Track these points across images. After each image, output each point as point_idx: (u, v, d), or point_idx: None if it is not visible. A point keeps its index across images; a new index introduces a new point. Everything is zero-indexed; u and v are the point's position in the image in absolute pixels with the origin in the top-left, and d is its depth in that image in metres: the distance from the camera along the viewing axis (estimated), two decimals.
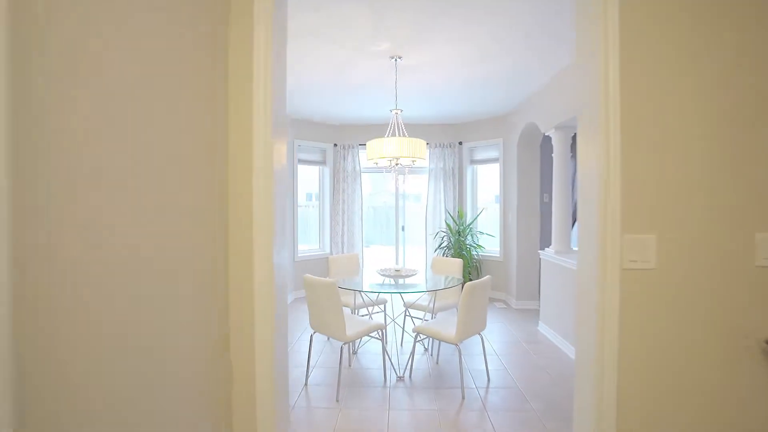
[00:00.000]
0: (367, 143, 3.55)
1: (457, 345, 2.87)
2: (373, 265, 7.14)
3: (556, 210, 4.21)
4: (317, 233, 6.55)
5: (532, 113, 4.70)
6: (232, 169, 1.51)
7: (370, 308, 3.98)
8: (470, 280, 6.31)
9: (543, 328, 4.35)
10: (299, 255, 6.14)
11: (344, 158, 6.40)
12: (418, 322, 4.32)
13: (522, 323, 4.73)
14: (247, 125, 1.50)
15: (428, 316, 3.81)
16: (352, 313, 3.89)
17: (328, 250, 6.49)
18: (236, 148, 1.51)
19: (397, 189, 6.59)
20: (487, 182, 6.45)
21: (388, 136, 3.49)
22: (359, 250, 6.46)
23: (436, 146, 6.37)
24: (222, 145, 1.47)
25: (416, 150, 3.40)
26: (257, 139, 1.49)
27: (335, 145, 6.44)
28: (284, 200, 1.69)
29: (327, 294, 2.87)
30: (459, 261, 3.99)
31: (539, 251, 4.45)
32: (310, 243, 6.56)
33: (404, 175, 4.00)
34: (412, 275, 3.54)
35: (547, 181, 5.47)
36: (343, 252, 6.40)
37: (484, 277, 2.96)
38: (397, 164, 3.55)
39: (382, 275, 3.56)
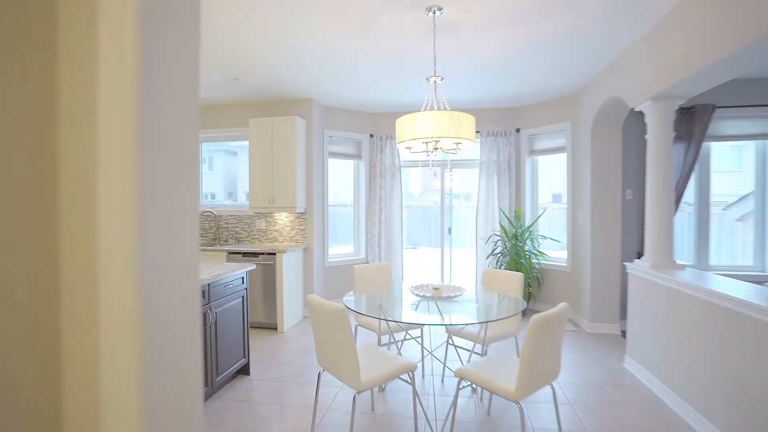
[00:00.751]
0: (396, 121, 2.75)
1: (517, 403, 2.00)
2: (417, 270, 6.32)
3: (652, 211, 3.16)
4: (352, 236, 5.85)
5: (615, 83, 3.65)
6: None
7: (400, 334, 3.19)
8: (530, 294, 5.39)
9: (631, 365, 3.31)
10: (330, 260, 5.46)
11: (381, 150, 5.64)
12: (464, 356, 3.48)
13: (601, 355, 3.69)
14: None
15: (478, 346, 2.95)
16: (378, 341, 3.11)
17: (363, 255, 5.77)
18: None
19: (442, 185, 5.73)
20: (551, 176, 5.40)
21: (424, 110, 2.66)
22: (398, 256, 5.68)
23: (487, 135, 5.42)
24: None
25: (461, 127, 2.55)
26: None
27: (371, 135, 5.70)
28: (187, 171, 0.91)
29: (335, 324, 2.11)
30: (518, 276, 3.08)
31: (627, 264, 3.41)
32: (344, 246, 5.87)
33: (447, 167, 3.20)
34: (456, 296, 2.69)
35: (631, 173, 4.35)
36: (380, 258, 5.65)
37: (559, 307, 2.06)
38: (435, 148, 2.72)
39: (416, 295, 2.75)
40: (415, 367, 2.37)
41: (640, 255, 4.19)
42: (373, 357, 2.44)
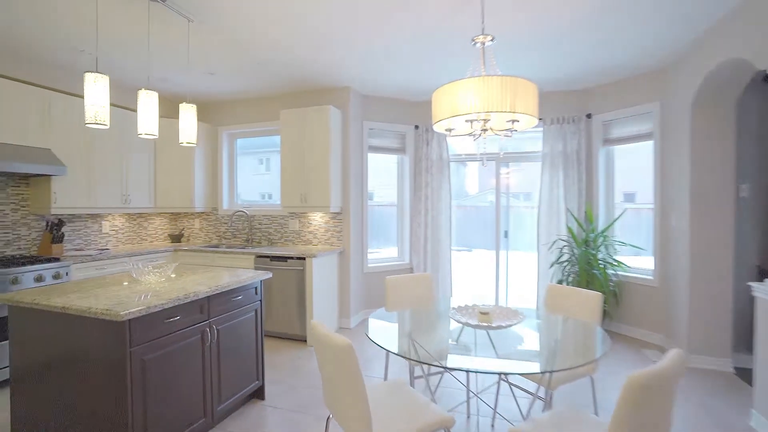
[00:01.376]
0: (432, 95, 2.16)
1: None
2: (469, 277, 5.62)
3: None
4: (395, 238, 5.29)
5: (734, 42, 2.75)
6: None
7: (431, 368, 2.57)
8: (604, 312, 4.48)
9: (763, 425, 2.42)
10: (370, 264, 4.95)
11: (427, 143, 5.03)
12: (522, 397, 2.76)
13: (713, 405, 2.80)
14: None
15: (541, 389, 2.26)
16: (410, 373, 2.52)
17: (407, 260, 5.19)
18: None
19: (497, 182, 5.00)
20: (623, 170, 4.47)
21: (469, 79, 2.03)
22: (445, 261, 5.03)
23: (551, 122, 4.61)
24: None
25: (519, 97, 1.89)
26: None
27: (416, 127, 5.10)
28: None
29: (340, 364, 1.57)
30: (595, 298, 2.34)
31: (753, 284, 2.52)
32: (386, 250, 5.33)
33: (501, 160, 2.52)
34: (512, 324, 2.02)
35: (747, 163, 3.37)
36: (425, 264, 5.04)
37: (670, 357, 1.35)
38: (484, 130, 2.08)
39: (458, 321, 2.12)
40: (453, 422, 1.76)
41: (763, 270, 3.21)
42: (396, 401, 1.86)
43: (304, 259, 4.01)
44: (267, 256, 4.15)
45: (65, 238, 4.01)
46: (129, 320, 1.90)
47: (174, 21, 2.91)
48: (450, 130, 2.26)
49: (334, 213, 4.60)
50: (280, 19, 2.89)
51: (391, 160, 5.26)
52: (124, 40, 3.23)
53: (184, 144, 2.79)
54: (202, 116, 5.28)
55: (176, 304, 2.11)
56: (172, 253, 4.54)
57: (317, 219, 4.70)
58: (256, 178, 5.42)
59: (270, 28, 3.04)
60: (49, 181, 3.61)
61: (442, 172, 5.01)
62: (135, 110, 4.53)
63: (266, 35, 3.16)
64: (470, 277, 5.74)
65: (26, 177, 3.68)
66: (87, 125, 2.17)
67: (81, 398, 2.00)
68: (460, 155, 5.25)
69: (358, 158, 4.76)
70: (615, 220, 4.34)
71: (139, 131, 2.47)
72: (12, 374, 2.20)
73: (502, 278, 5.07)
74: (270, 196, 5.45)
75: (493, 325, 1.99)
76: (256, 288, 2.83)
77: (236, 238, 5.08)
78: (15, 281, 3.07)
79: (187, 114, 2.79)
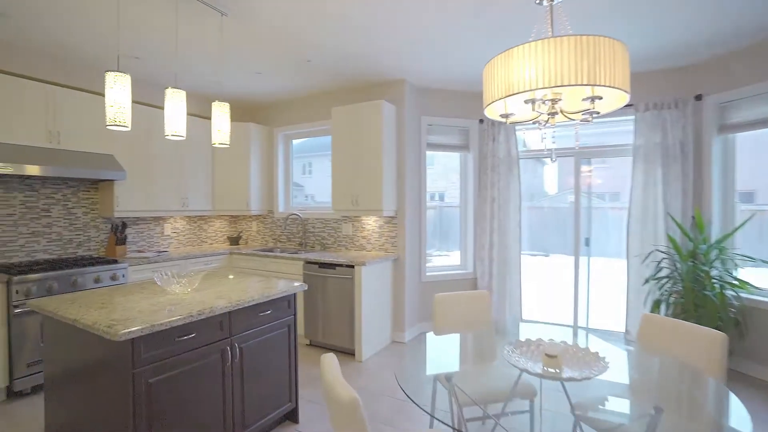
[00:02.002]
0: (483, 71, 1.70)
1: None
2: (542, 289, 4.94)
3: None
4: (458, 244, 4.80)
5: None
6: None
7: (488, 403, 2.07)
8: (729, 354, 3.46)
9: None
10: (428, 273, 4.52)
11: (493, 139, 4.47)
12: None
13: None
14: None
15: None
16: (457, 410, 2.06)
17: (470, 269, 4.68)
18: None
19: (577, 180, 4.28)
20: (757, 164, 3.52)
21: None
22: (514, 271, 4.43)
23: (646, 108, 3.80)
24: None
25: (602, 65, 1.37)
26: None
27: (481, 121, 4.57)
28: None
29: (347, 425, 1.20)
30: (718, 339, 1.70)
31: None
32: (448, 257, 4.87)
33: (579, 153, 1.95)
34: (587, 378, 1.49)
35: None
36: (490, 273, 4.49)
37: None
38: (553, 113, 1.58)
39: (516, 366, 1.63)
40: None
41: None
42: None
43: (352, 267, 3.71)
44: (315, 263, 3.93)
45: (129, 239, 4.16)
46: (132, 339, 1.73)
47: (225, 23, 2.77)
48: (507, 116, 1.78)
49: (389, 217, 4.26)
50: (321, 8, 2.61)
51: (452, 158, 4.79)
52: (173, 46, 3.19)
53: (217, 145, 2.63)
54: (257, 118, 5.27)
55: (188, 321, 1.90)
56: (227, 256, 4.53)
57: (371, 223, 4.39)
58: (299, 181, 5.28)
59: (311, 19, 2.78)
60: (113, 186, 3.74)
61: (510, 170, 4.42)
62: (191, 115, 4.60)
63: (306, 28, 2.91)
64: (545, 287, 5.04)
65: (95, 182, 3.85)
66: (108, 127, 2.05)
67: (95, 416, 1.87)
68: (541, 151, 4.60)
69: (415, 157, 4.36)
70: (738, 228, 3.42)
71: (166, 132, 2.34)
72: (45, 380, 2.17)
73: (582, 290, 4.32)
74: (312, 197, 5.25)
75: (563, 375, 1.48)
76: (288, 301, 2.57)
77: (291, 242, 4.97)
78: (74, 283, 3.17)
79: (219, 113, 2.63)
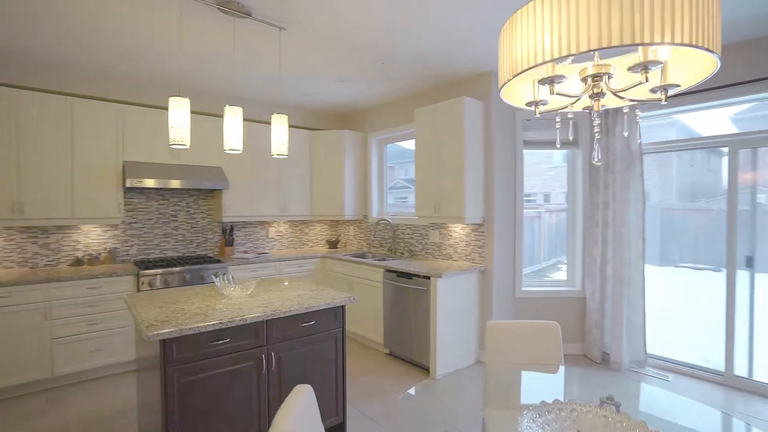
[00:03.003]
0: (499, 37, 1.37)
1: None
2: (678, 318, 3.91)
3: None
4: (564, 256, 4.12)
5: None
6: None
7: None
8: None
9: None
10: (525, 288, 3.97)
11: (609, 131, 3.69)
12: None
13: None
14: None
15: None
16: None
17: (578, 286, 3.96)
18: None
19: (731, 179, 3.22)
20: None
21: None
22: (635, 292, 3.57)
23: None
24: None
25: (669, 11, 0.92)
26: None
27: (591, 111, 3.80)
28: None
29: None
30: None
31: None
32: (552, 270, 4.22)
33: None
34: None
35: None
36: (601, 292, 3.71)
37: None
38: (597, 95, 1.16)
39: None
40: None
41: None
42: None
43: (428, 278, 3.48)
44: (394, 271, 3.81)
45: (238, 241, 4.70)
46: (164, 340, 1.88)
47: (297, 38, 2.90)
48: (535, 104, 1.37)
49: (476, 224, 3.88)
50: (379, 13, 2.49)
51: (557, 156, 4.12)
52: (250, 63, 3.47)
53: (276, 156, 2.73)
54: (352, 124, 5.41)
55: (217, 328, 1.99)
56: (321, 259, 4.75)
57: (457, 231, 4.07)
58: (408, 185, 5.18)
59: (371, 24, 2.68)
60: (221, 194, 4.27)
61: (630, 168, 3.57)
62: (291, 126, 4.95)
63: (369, 32, 2.82)
64: (682, 314, 3.94)
65: (211, 191, 4.46)
66: (171, 146, 2.29)
67: (148, 408, 2.11)
68: (678, 142, 3.63)
69: (507, 158, 3.88)
70: None
71: (225, 147, 2.52)
72: (136, 364, 2.56)
73: (741, 321, 3.22)
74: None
75: None
76: (335, 313, 2.51)
77: (382, 248, 4.96)
78: (184, 279, 3.71)
79: (278, 125, 2.72)
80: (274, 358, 2.24)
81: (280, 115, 2.72)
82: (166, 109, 3.92)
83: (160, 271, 3.55)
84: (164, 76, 3.80)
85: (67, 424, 2.68)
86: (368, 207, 5.12)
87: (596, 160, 1.29)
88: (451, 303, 3.53)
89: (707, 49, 0.98)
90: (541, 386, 1.94)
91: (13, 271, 3.34)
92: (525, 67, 1.11)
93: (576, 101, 1.30)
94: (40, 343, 3.09)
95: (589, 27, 0.97)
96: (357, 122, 5.38)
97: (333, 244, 5.29)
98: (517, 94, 1.43)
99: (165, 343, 1.89)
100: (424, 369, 3.60)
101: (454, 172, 3.68)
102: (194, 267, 3.75)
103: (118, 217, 3.64)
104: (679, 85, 1.16)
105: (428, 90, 4.33)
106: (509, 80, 1.20)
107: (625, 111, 1.42)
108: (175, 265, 3.69)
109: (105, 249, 3.82)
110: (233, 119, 2.53)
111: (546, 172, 4.29)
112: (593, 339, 3.78)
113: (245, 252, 4.67)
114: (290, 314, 2.27)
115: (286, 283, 2.93)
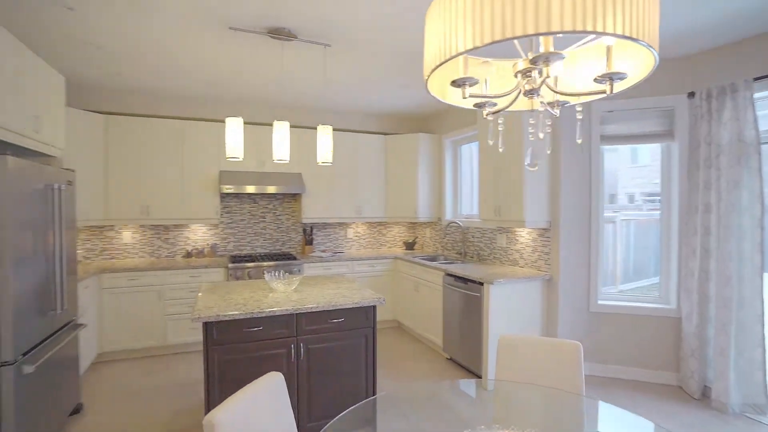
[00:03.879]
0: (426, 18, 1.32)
1: None
2: None
3: None
4: (656, 268, 3.54)
5: None
6: None
7: None
8: None
9: None
10: (602, 302, 3.54)
11: (712, 118, 3.06)
12: None
13: None
14: None
15: None
16: None
17: (673, 304, 3.36)
18: None
19: None
20: None
21: None
22: (751, 318, 2.90)
23: None
24: None
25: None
26: None
27: (691, 95, 3.20)
28: None
29: None
30: None
31: None
32: (637, 281, 3.68)
33: None
34: None
35: None
36: (704, 312, 3.10)
37: None
38: (532, 91, 1.07)
39: None
40: None
41: None
42: None
43: (482, 284, 3.36)
44: (452, 275, 3.76)
45: (318, 241, 5.13)
46: (205, 323, 2.24)
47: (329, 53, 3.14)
48: (483, 104, 1.29)
49: (542, 229, 3.59)
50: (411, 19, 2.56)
51: (644, 151, 3.56)
52: (319, 79, 3.79)
53: (320, 163, 2.97)
54: (427, 127, 5.44)
55: (247, 317, 2.28)
56: (392, 260, 4.90)
57: (523, 235, 3.82)
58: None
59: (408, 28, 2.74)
60: (301, 198, 4.73)
61: (741, 162, 2.91)
62: (365, 132, 5.19)
63: (406, 38, 2.87)
64: None
65: (294, 195, 4.97)
66: (228, 159, 2.70)
67: (203, 380, 2.52)
68: None
69: (579, 156, 3.50)
70: None
71: (275, 158, 2.84)
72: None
73: None
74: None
75: None
76: (366, 313, 2.63)
77: (453, 251, 4.89)
78: (262, 273, 4.22)
79: (323, 135, 2.95)
80: (303, 349, 2.46)
81: (325, 126, 2.95)
82: (253, 124, 4.51)
83: (243, 265, 4.12)
84: (251, 97, 4.39)
85: (170, 383, 3.33)
86: (442, 209, 5.10)
87: (528, 162, 1.18)
88: (508, 312, 3.34)
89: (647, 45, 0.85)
90: (559, 410, 1.77)
91: (143, 260, 4.26)
92: (446, 59, 1.05)
93: (514, 100, 1.19)
94: (157, 318, 3.87)
95: (503, 15, 0.90)
96: (432, 124, 5.40)
97: (409, 246, 5.39)
98: (438, 89, 1.29)
99: (207, 326, 2.25)
100: (476, 375, 3.47)
101: (512, 173, 3.47)
102: (272, 263, 4.25)
103: (216, 218, 4.33)
104: (625, 75, 1.00)
105: None
106: (434, 70, 1.11)
107: (729, 95, 1.24)
108: (257, 261, 4.23)
109: (208, 244, 4.58)
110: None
111: (630, 170, 3.74)
112: (690, 369, 3.17)
113: (323, 251, 5.08)
114: (318, 310, 2.46)
115: (331, 281, 3.15)
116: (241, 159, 2.76)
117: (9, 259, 2.09)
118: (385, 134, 5.21)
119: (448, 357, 3.94)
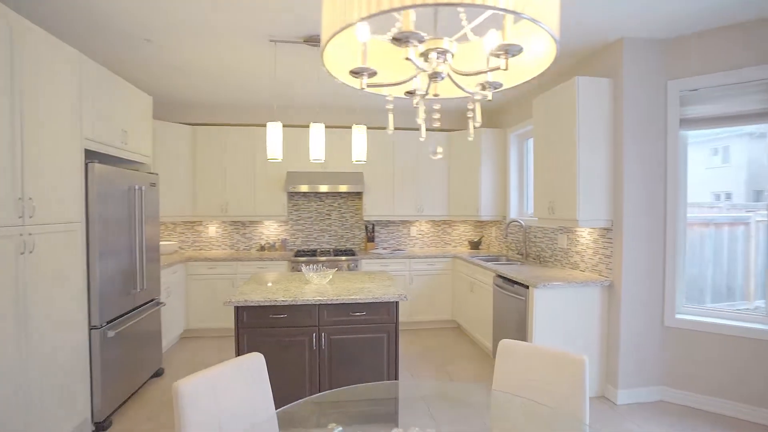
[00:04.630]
0: None
1: None
2: None
3: None
4: (757, 281, 2.89)
5: None
6: None
7: None
8: None
9: None
10: (680, 316, 3.02)
11: None
12: None
13: None
14: None
15: None
16: None
17: None
18: None
19: None
20: None
21: None
22: None
23: None
24: None
25: None
26: None
27: None
28: None
29: None
30: None
31: None
32: (727, 295, 3.05)
33: None
34: None
35: None
36: None
37: None
38: (436, 70, 1.03)
39: None
40: None
41: None
42: None
43: (527, 287, 3.13)
44: (502, 276, 3.57)
45: (382, 238, 5.26)
46: (236, 307, 2.51)
47: None
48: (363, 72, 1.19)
49: (604, 228, 3.20)
50: None
51: (735, 135, 2.93)
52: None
53: (354, 162, 3.08)
54: (493, 121, 5.18)
55: (271, 304, 2.49)
56: (451, 260, 4.79)
57: (584, 236, 3.44)
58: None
59: None
60: (362, 196, 4.92)
61: None
62: (431, 130, 5.14)
63: None
64: None
65: (358, 193, 5.17)
66: (269, 160, 2.97)
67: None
68: None
69: (651, 144, 3.04)
70: None
71: (311, 157, 3.03)
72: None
73: None
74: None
75: None
76: (388, 309, 2.67)
77: (516, 251, 4.59)
78: (321, 267, 4.49)
79: (357, 134, 3.06)
80: (324, 339, 2.60)
81: (359, 125, 3.06)
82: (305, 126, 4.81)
83: (304, 258, 4.45)
84: (312, 102, 4.71)
85: None
86: (506, 207, 4.82)
87: (432, 151, 1.11)
88: (557, 319, 3.05)
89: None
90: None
91: (223, 252, 4.87)
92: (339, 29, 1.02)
93: (429, 85, 1.13)
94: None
95: None
96: (497, 118, 5.14)
97: (474, 246, 5.22)
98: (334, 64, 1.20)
99: (237, 310, 2.52)
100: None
101: (565, 166, 3.16)
102: (331, 258, 4.50)
103: (283, 215, 4.74)
104: (520, 47, 0.90)
105: (551, 74, 3.79)
106: (328, 41, 1.06)
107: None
108: (316, 255, 4.53)
109: (279, 239, 5.04)
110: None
111: (717, 161, 3.10)
112: None
113: (384, 248, 5.19)
114: (338, 302, 2.58)
115: (362, 276, 3.24)
116: (280, 160, 3.01)
117: (95, 247, 2.62)
118: (448, 131, 5.12)
119: None
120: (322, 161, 3.06)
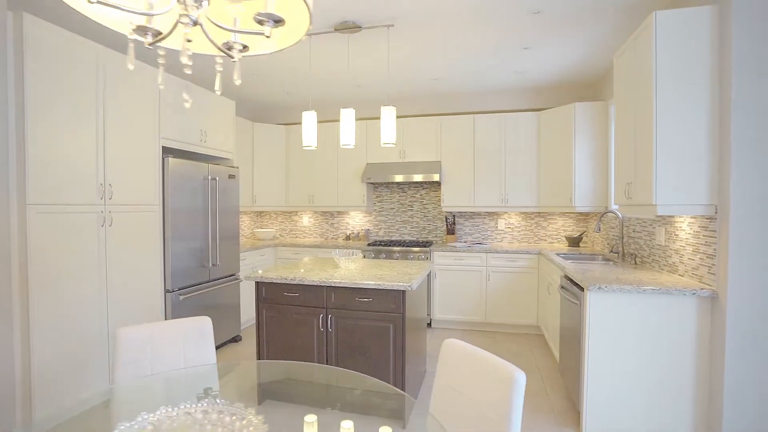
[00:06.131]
0: None
1: None
2: None
3: None
4: None
5: None
6: None
7: None
8: None
9: None
10: None
11: None
12: None
13: None
14: None
15: None
16: None
17: None
18: None
19: None
20: None
21: None
22: None
23: None
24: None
25: None
26: None
27: None
28: None
29: None
30: None
31: None
32: None
33: None
34: None
35: None
36: None
37: None
38: (185, 13, 0.99)
39: None
40: None
41: None
42: None
43: (582, 289, 2.53)
44: (567, 277, 2.96)
45: (465, 231, 4.92)
46: (257, 282, 2.75)
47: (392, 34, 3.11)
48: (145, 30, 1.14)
49: (708, 217, 2.34)
50: None
51: None
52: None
53: (383, 145, 3.00)
54: (585, 95, 4.28)
55: (282, 282, 2.64)
56: (536, 256, 4.15)
57: (684, 228, 2.57)
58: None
59: None
60: (440, 186, 4.70)
61: None
62: (511, 111, 4.57)
63: None
64: None
65: (440, 183, 4.97)
66: (304, 148, 3.15)
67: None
68: None
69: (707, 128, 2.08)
70: None
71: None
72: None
73: None
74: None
75: None
76: (395, 298, 2.52)
77: (611, 248, 3.70)
78: (391, 256, 4.47)
79: (386, 116, 2.96)
80: (330, 320, 2.62)
81: (387, 107, 2.96)
82: (398, 117, 4.81)
83: (377, 248, 4.50)
84: (381, 94, 4.72)
85: None
86: (607, 196, 3.94)
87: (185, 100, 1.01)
88: (624, 335, 2.37)
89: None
90: None
91: (314, 239, 5.31)
92: None
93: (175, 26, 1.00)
94: None
95: None
96: (595, 90, 4.24)
97: (574, 242, 4.43)
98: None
99: (258, 285, 2.75)
100: (573, 414, 2.61)
101: (642, 134, 2.42)
102: (402, 248, 4.44)
103: (363, 206, 4.90)
104: (280, 18, 0.78)
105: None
106: None
107: None
108: (389, 246, 4.53)
109: (363, 230, 5.21)
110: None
111: None
112: None
113: (464, 242, 4.84)
114: (343, 285, 2.57)
115: (388, 264, 3.10)
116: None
117: (170, 229, 3.21)
118: (536, 110, 4.47)
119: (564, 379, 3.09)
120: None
